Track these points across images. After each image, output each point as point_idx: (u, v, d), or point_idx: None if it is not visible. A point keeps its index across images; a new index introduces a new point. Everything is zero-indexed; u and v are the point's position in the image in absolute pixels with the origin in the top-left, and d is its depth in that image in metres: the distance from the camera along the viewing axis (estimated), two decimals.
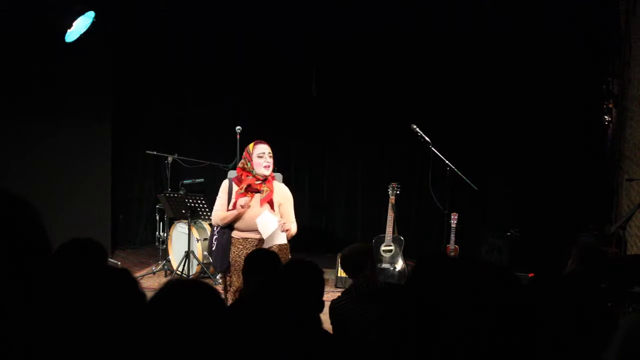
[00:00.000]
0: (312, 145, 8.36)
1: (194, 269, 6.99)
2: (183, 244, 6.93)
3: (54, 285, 1.85)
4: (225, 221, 5.19)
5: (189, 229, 6.85)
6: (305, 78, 7.86)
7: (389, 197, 6.97)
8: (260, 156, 5.28)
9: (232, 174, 6.92)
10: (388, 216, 6.91)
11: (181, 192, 7.03)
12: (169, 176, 7.47)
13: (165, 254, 7.38)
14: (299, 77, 7.92)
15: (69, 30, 6.33)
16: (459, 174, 6.61)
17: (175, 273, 6.95)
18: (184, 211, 6.81)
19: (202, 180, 7.66)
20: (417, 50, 7.69)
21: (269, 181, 5.31)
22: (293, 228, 5.32)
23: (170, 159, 7.45)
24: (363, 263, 3.88)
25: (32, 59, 6.89)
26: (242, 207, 5.12)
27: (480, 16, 7.33)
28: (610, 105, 7.08)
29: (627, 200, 6.23)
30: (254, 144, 5.37)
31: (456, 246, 6.83)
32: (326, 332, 2.82)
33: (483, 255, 7.22)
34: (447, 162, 6.56)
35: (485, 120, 7.66)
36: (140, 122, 8.47)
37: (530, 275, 3.96)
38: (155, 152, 7.55)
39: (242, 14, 7.89)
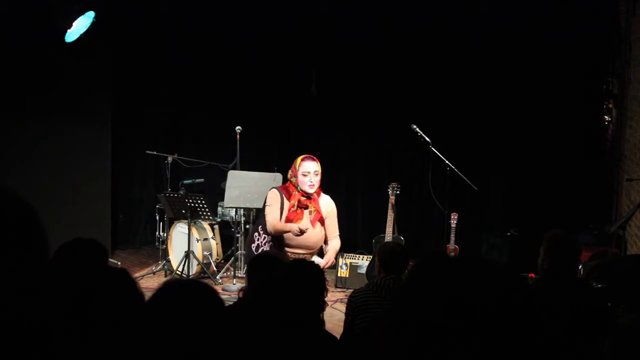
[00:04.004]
0: (311, 145, 8.34)
1: (194, 269, 6.99)
2: (183, 244, 6.92)
3: (53, 284, 1.85)
4: (279, 232, 5.29)
5: (189, 229, 6.85)
6: (305, 78, 7.85)
7: (389, 197, 6.98)
8: (305, 175, 5.32)
9: (234, 174, 6.94)
10: (388, 216, 6.91)
11: (181, 192, 7.03)
12: (169, 176, 7.47)
13: (165, 254, 7.38)
14: (299, 78, 7.91)
15: (69, 30, 6.33)
16: (459, 174, 6.61)
17: (175, 273, 6.95)
18: (184, 211, 6.80)
19: (202, 180, 7.66)
20: (417, 51, 7.69)
21: (314, 199, 5.34)
22: (337, 244, 5.53)
23: (170, 159, 7.45)
24: (404, 265, 3.89)
25: (32, 59, 6.90)
26: (302, 232, 5.18)
27: (480, 16, 7.33)
28: (610, 105, 7.09)
29: (627, 200, 6.24)
30: (301, 160, 5.37)
31: (456, 246, 6.83)
32: (327, 332, 2.82)
33: (483, 255, 7.22)
34: (447, 162, 6.56)
35: (485, 120, 7.66)
36: (141, 122, 8.47)
37: (530, 275, 3.98)
38: (155, 152, 7.55)
39: (243, 14, 7.89)
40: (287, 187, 5.48)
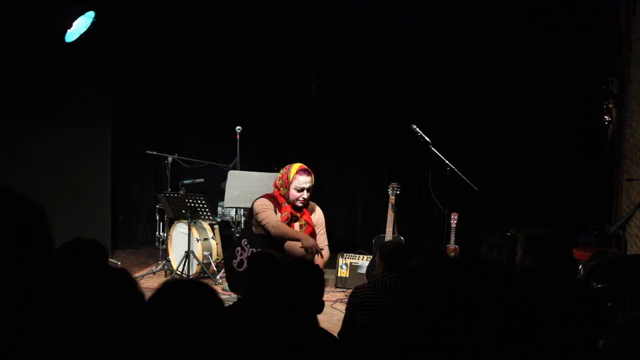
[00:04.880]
0: (311, 145, 8.37)
1: (194, 269, 6.99)
2: (183, 244, 6.93)
3: (54, 285, 1.85)
4: (287, 236, 4.87)
5: (189, 229, 6.85)
6: (305, 78, 7.86)
7: (389, 197, 6.98)
8: (299, 190, 4.91)
9: (234, 174, 6.93)
10: (388, 216, 6.91)
11: (181, 192, 7.03)
12: (169, 176, 7.47)
13: (165, 254, 7.38)
14: (299, 78, 7.92)
15: (69, 30, 6.33)
16: (459, 174, 6.61)
17: (175, 273, 6.95)
18: (184, 211, 6.80)
19: (202, 180, 7.66)
20: (417, 51, 7.69)
21: (305, 211, 5.01)
22: (326, 254, 5.14)
23: (170, 159, 7.45)
24: (405, 264, 3.87)
25: (32, 59, 6.90)
26: (315, 252, 4.73)
27: (480, 16, 7.33)
28: (610, 105, 7.09)
29: (627, 200, 6.24)
30: (296, 173, 4.92)
31: (456, 246, 6.83)
32: (325, 331, 2.82)
33: (483, 255, 7.23)
34: (447, 162, 6.56)
35: (485, 121, 7.66)
36: (141, 121, 8.47)
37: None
38: (155, 152, 7.55)
39: (243, 14, 7.89)
40: (275, 197, 5.00)
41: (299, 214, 5.05)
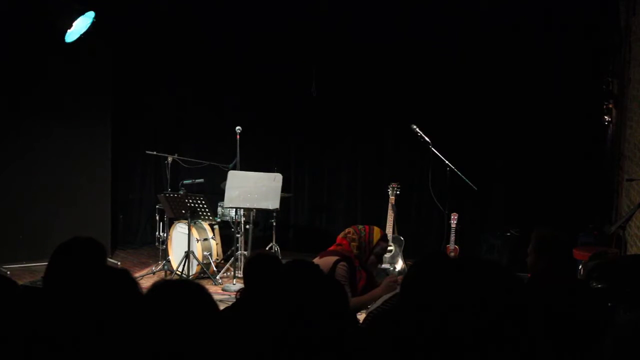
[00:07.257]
0: (312, 145, 8.37)
1: (194, 269, 6.98)
2: (183, 244, 6.92)
3: (54, 284, 1.85)
4: (363, 306, 4.35)
5: (189, 229, 6.85)
6: (305, 78, 7.85)
7: (389, 197, 6.98)
8: (380, 254, 4.55)
9: (234, 174, 6.92)
10: (388, 216, 6.91)
11: (181, 192, 7.03)
12: (169, 176, 7.47)
13: (165, 254, 7.38)
14: (299, 77, 7.92)
15: (69, 30, 6.32)
16: (459, 174, 6.61)
17: (175, 273, 6.95)
18: (184, 211, 6.80)
19: (202, 180, 7.66)
20: (417, 51, 7.69)
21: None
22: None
23: (170, 159, 7.45)
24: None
25: (32, 59, 6.91)
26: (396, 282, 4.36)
27: (480, 16, 7.33)
28: (610, 106, 7.08)
29: (627, 200, 6.23)
30: (380, 239, 4.51)
31: (456, 246, 6.83)
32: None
33: (483, 255, 7.22)
34: (447, 162, 6.56)
35: (485, 121, 7.66)
36: (140, 122, 8.47)
37: (529, 275, 3.97)
38: (155, 152, 7.55)
39: (243, 14, 7.90)
40: (352, 260, 4.43)
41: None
